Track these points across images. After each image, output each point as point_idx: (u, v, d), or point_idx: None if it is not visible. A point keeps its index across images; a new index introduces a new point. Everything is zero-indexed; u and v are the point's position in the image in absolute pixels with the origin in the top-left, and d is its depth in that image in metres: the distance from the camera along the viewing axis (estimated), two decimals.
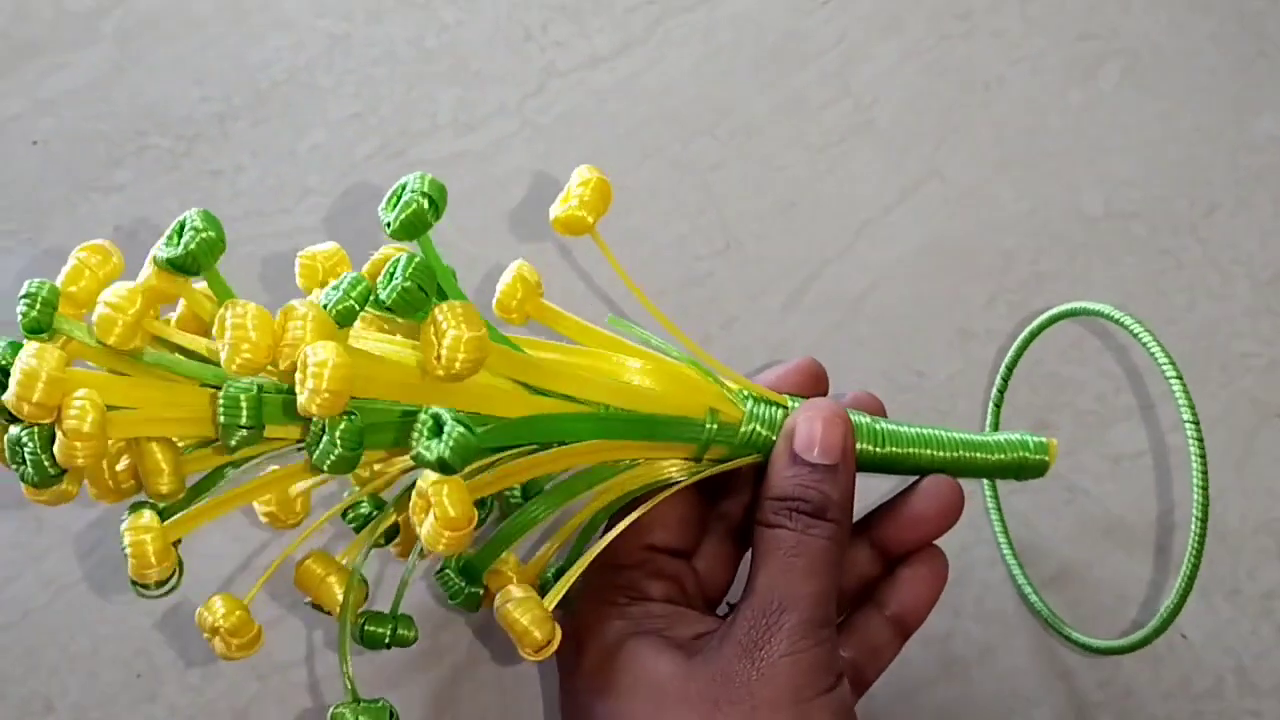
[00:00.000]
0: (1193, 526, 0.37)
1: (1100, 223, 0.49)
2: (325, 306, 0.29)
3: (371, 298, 0.30)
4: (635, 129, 0.50)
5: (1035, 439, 0.38)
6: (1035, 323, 0.42)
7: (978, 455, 0.37)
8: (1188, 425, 0.37)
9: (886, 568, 0.38)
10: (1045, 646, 0.44)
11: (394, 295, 0.29)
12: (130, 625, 0.43)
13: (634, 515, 0.35)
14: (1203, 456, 0.37)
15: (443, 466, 0.28)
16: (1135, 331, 0.38)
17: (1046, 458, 0.37)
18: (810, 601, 0.32)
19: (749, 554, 0.38)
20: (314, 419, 0.28)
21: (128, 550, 0.29)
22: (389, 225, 0.31)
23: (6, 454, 0.29)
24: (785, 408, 0.36)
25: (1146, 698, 0.43)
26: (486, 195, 0.49)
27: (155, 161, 0.49)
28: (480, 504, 0.36)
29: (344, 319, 0.29)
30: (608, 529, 0.35)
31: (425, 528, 0.29)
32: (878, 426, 0.36)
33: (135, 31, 0.51)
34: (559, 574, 0.36)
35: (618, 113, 0.50)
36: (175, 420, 0.29)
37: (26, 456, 0.28)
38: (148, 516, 0.29)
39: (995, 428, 0.45)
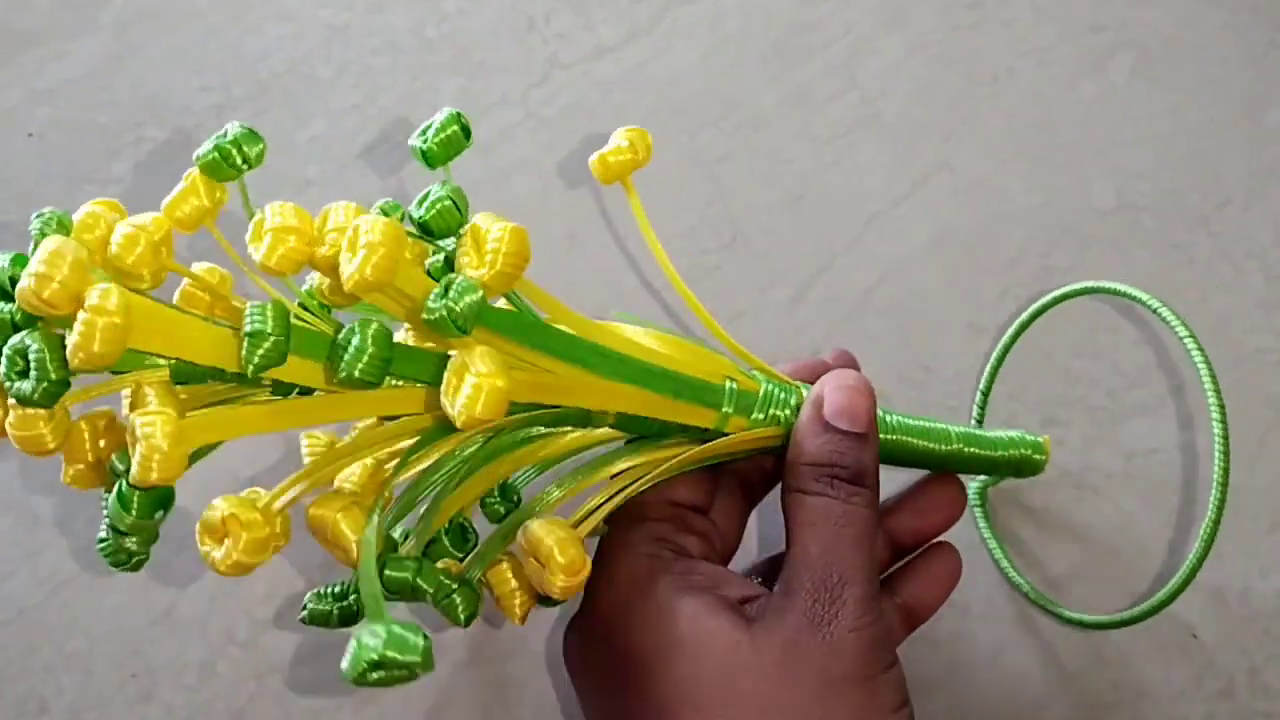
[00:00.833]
0: (1213, 492, 0.38)
1: (1111, 216, 0.48)
2: None
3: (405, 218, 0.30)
4: (641, 121, 0.49)
5: (1032, 437, 0.39)
6: (1039, 303, 0.43)
7: (979, 451, 0.38)
8: (1208, 392, 0.38)
9: (895, 556, 0.39)
10: (1055, 647, 0.43)
11: (432, 212, 0.30)
12: (126, 625, 0.42)
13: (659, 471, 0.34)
14: (1223, 422, 0.38)
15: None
16: (1154, 307, 0.39)
17: (1044, 456, 0.40)
18: (865, 574, 0.32)
19: (754, 517, 0.39)
20: (342, 334, 0.28)
21: (139, 436, 0.25)
22: (425, 148, 0.31)
23: (3, 367, 0.26)
24: (799, 389, 0.35)
25: (1158, 698, 0.42)
26: (490, 186, 0.48)
27: (153, 153, 0.48)
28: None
29: None
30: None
31: (535, 573, 0.31)
32: (886, 417, 0.36)
33: (134, 22, 0.50)
34: None
35: (623, 104, 0.50)
36: (196, 342, 0.27)
37: (31, 358, 0.25)
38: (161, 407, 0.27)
39: (982, 413, 0.45)
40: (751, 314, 0.47)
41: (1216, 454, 0.38)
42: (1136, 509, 0.45)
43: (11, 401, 0.26)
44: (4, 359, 0.26)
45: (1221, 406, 0.38)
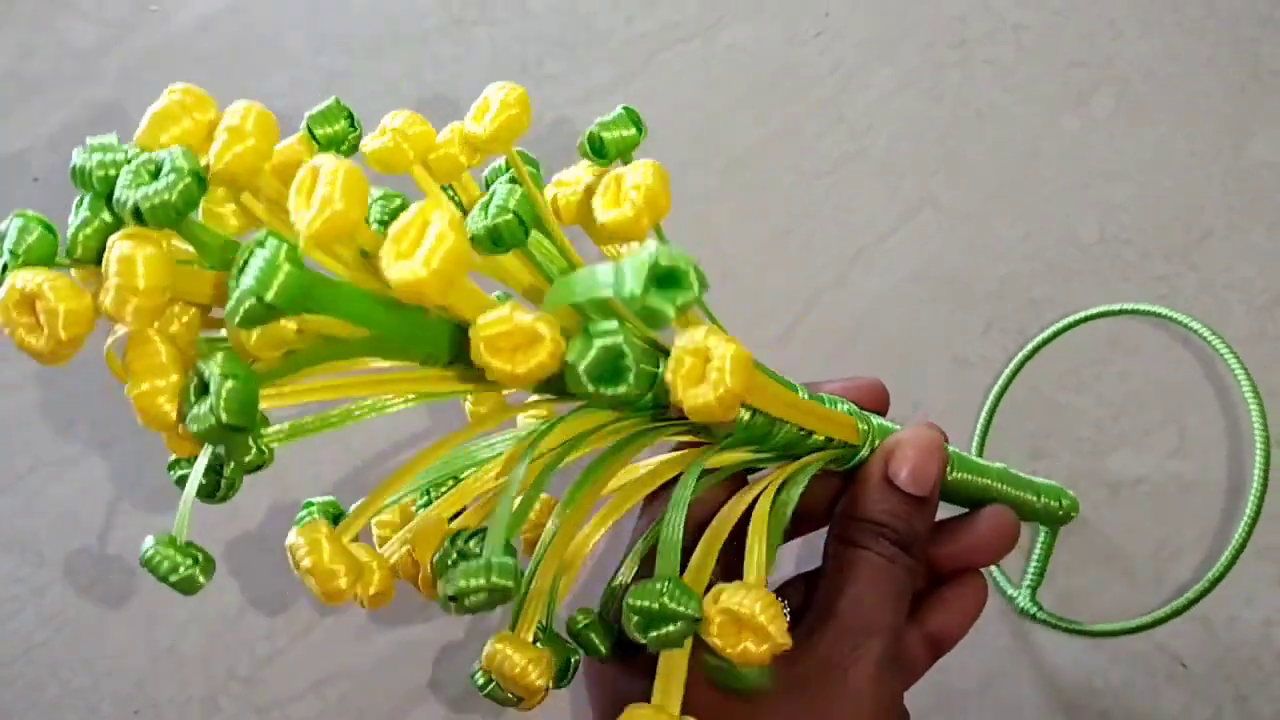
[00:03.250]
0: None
1: (1094, 249, 0.49)
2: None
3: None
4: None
5: (1069, 493, 0.40)
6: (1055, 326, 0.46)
7: (1025, 496, 0.38)
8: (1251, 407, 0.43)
9: (929, 583, 0.37)
10: (1043, 678, 0.44)
11: (496, 220, 0.28)
12: (130, 661, 0.43)
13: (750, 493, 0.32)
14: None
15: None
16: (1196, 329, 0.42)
17: (1076, 513, 0.40)
18: (892, 633, 0.31)
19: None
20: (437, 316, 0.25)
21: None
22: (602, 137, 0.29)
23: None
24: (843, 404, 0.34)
25: None
26: None
27: None
28: None
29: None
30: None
31: (703, 384, 0.25)
32: (954, 450, 0.35)
33: (136, 69, 0.51)
34: (571, 633, 0.31)
35: None
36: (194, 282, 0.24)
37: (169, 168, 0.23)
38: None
39: (982, 444, 0.46)
40: None
41: (1257, 464, 0.43)
42: (1123, 540, 0.45)
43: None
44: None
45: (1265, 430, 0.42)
